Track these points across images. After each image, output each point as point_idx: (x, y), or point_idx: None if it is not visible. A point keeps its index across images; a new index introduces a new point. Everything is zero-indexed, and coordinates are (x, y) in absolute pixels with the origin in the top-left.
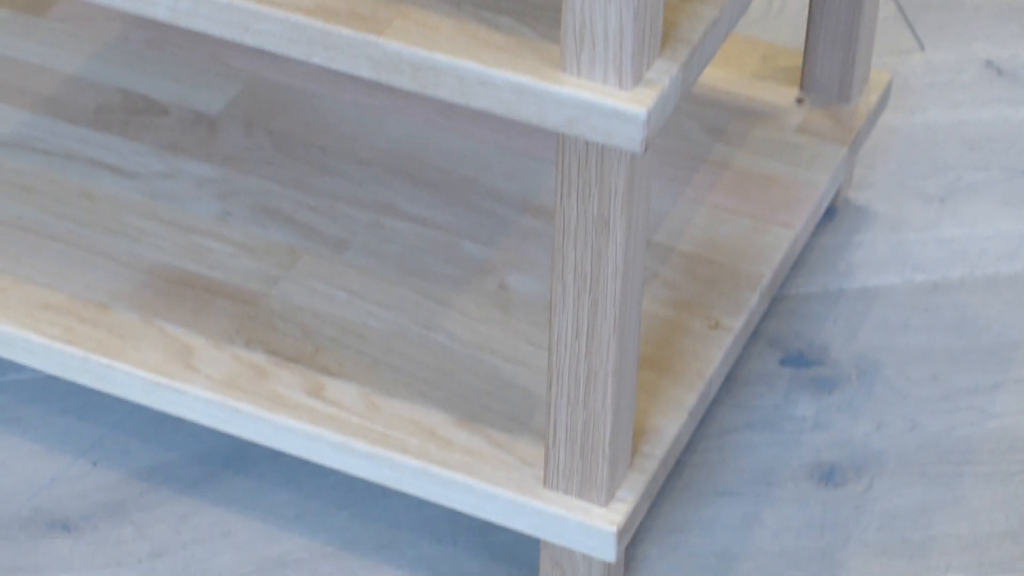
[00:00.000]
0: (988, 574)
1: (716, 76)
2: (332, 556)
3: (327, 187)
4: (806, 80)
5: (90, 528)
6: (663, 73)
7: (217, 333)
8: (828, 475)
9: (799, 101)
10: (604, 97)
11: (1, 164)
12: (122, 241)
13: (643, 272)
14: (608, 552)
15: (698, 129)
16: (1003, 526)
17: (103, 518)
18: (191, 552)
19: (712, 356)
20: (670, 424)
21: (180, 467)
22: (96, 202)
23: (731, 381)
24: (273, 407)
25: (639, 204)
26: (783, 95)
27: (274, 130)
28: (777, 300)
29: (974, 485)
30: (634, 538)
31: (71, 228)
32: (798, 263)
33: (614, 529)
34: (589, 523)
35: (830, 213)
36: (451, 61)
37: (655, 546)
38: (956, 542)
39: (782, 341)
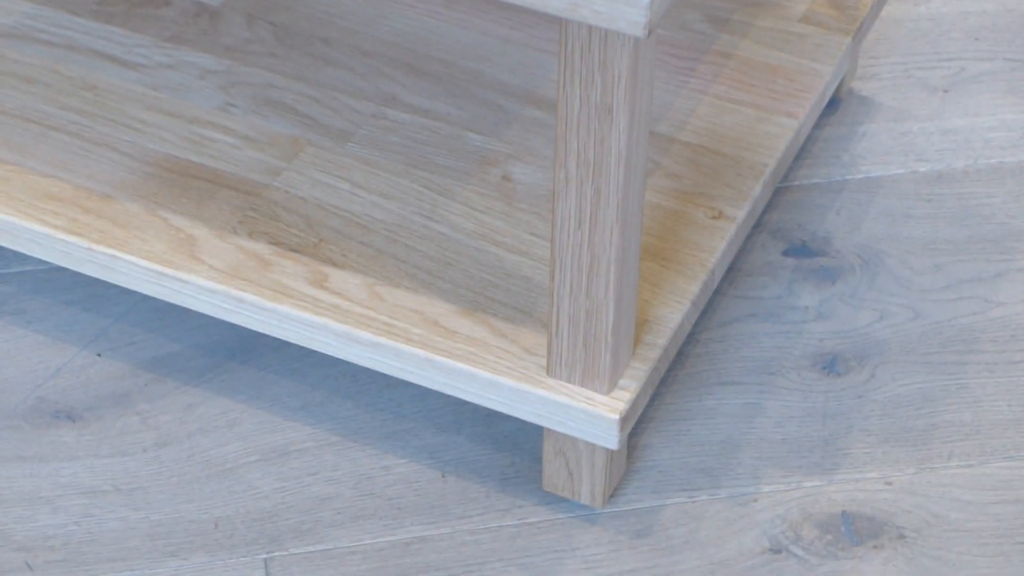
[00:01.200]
0: (990, 462)
1: None
2: (336, 446)
3: (330, 79)
4: None
5: (95, 418)
6: None
7: (220, 224)
8: (831, 365)
9: None
10: None
11: (4, 55)
12: (125, 132)
13: (646, 160)
14: (611, 440)
15: (701, 19)
16: (1005, 414)
17: (108, 408)
18: (196, 442)
19: (715, 246)
20: (673, 314)
21: (185, 358)
22: (99, 93)
23: (734, 272)
24: (277, 297)
25: (642, 91)
26: None
27: (276, 22)
28: (780, 191)
29: (977, 374)
30: (637, 427)
31: (74, 119)
32: (802, 154)
33: (617, 417)
34: (592, 411)
35: (834, 104)
36: None
37: (658, 435)
38: (958, 430)
39: (785, 232)
